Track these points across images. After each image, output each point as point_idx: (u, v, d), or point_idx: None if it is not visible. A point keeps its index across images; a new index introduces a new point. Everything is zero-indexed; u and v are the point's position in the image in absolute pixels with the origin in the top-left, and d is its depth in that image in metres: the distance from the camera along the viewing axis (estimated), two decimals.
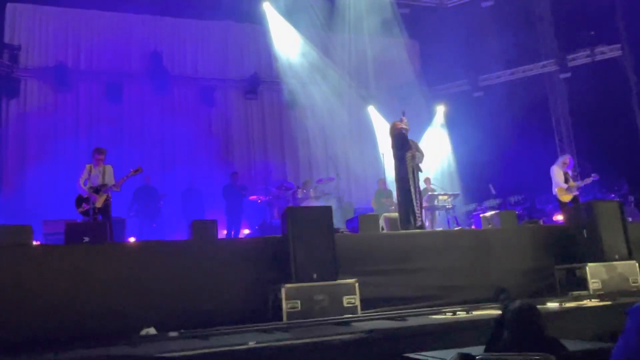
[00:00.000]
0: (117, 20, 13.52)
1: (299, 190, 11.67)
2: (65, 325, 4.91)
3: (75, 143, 12.47)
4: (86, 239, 6.01)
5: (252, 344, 3.98)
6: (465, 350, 3.22)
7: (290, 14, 14.36)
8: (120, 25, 13.54)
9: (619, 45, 14.56)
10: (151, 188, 11.39)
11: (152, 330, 4.92)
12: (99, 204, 7.70)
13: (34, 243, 6.19)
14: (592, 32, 14.69)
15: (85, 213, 7.75)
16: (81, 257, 5.35)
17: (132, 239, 8.85)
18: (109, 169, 7.99)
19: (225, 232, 11.31)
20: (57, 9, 13.08)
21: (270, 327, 4.87)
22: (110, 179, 7.87)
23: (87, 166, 8.02)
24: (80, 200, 7.86)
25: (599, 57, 14.85)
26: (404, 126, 7.80)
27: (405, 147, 7.64)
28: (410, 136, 8.02)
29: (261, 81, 14.58)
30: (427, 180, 11.80)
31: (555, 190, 9.68)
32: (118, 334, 4.73)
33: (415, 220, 7.47)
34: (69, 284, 5.13)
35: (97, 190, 7.74)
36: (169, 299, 5.37)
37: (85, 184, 7.84)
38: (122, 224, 8.90)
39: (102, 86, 13.03)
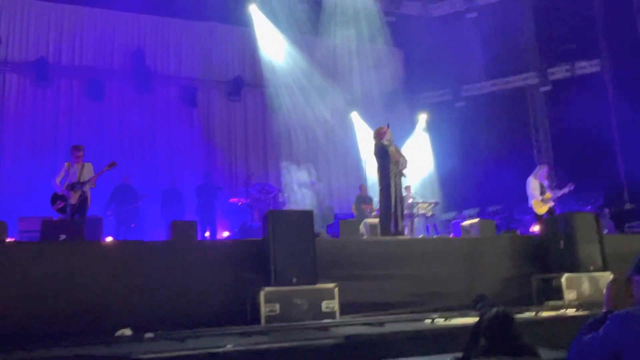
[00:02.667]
0: (100, 16, 13.37)
1: (280, 193, 11.65)
2: (39, 324, 4.81)
3: (54, 140, 12.30)
4: (62, 236, 5.90)
5: (229, 347, 3.94)
6: (445, 356, 3.24)
7: (276, 17, 14.37)
8: (103, 21, 13.40)
9: (598, 61, 14.90)
10: (130, 187, 11.24)
11: (127, 331, 4.85)
12: (73, 200, 7.57)
13: (8, 240, 6.07)
14: (573, 47, 14.99)
15: (61, 210, 7.62)
16: (57, 255, 5.25)
17: (109, 239, 8.72)
18: (88, 166, 7.87)
19: (208, 233, 11.25)
20: (39, 2, 12.90)
21: (248, 330, 4.83)
22: (89, 176, 7.75)
23: (66, 164, 7.90)
24: (55, 198, 7.72)
25: (578, 72, 15.17)
26: (386, 139, 7.81)
27: (386, 160, 7.69)
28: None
29: (245, 83, 14.53)
30: (407, 188, 11.86)
31: (531, 202, 9.79)
32: (93, 334, 4.65)
33: (396, 227, 7.51)
34: (43, 282, 5.04)
35: (72, 187, 7.62)
36: (146, 300, 5.30)
37: (62, 183, 7.71)
38: (99, 223, 8.77)
39: (83, 83, 12.85)
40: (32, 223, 8.37)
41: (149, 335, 4.67)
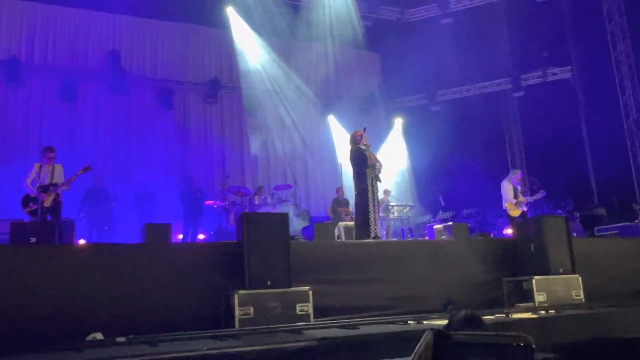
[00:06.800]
0: (75, 16, 13.18)
1: (256, 196, 11.63)
2: (7, 329, 4.72)
3: (25, 141, 12.08)
4: (33, 239, 5.80)
5: (202, 351, 3.92)
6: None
7: (253, 20, 14.36)
8: (77, 21, 13.21)
9: (569, 68, 15.29)
10: (102, 189, 11.10)
11: (99, 336, 4.78)
12: (47, 203, 7.48)
13: None
14: (545, 54, 15.34)
15: (32, 213, 7.49)
16: (26, 259, 5.15)
17: (81, 241, 8.60)
18: (58, 167, 7.78)
19: (181, 236, 11.17)
20: (11, 0, 12.64)
21: (221, 333, 4.81)
22: (59, 178, 7.66)
23: (36, 165, 7.77)
24: (27, 200, 7.59)
25: (550, 78, 15.56)
26: (363, 144, 7.87)
27: (364, 164, 7.72)
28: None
29: (221, 85, 14.48)
30: (386, 192, 11.96)
31: (505, 204, 9.98)
32: (63, 339, 4.58)
33: (370, 231, 7.56)
34: (12, 286, 4.93)
35: (45, 189, 7.50)
36: (119, 304, 5.23)
37: (33, 184, 7.58)
38: (71, 225, 8.63)
39: (56, 83, 12.63)
40: (1, 225, 8.19)
41: (121, 339, 4.61)
